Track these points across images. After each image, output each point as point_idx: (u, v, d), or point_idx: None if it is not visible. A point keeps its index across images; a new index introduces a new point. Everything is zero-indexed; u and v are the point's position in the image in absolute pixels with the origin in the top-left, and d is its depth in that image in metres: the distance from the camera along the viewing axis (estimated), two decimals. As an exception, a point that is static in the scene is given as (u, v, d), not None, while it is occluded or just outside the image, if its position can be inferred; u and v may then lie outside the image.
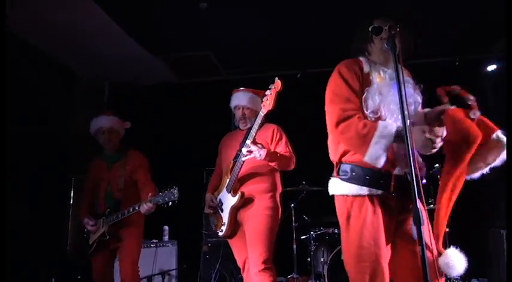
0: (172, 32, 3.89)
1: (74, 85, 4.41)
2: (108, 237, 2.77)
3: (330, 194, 1.73)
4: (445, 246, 1.65)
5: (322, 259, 3.63)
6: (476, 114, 1.56)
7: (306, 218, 3.87)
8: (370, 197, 1.60)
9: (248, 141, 2.40)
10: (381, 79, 1.66)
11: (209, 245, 3.97)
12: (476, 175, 1.67)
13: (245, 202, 2.49)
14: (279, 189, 2.64)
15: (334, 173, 1.72)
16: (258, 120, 2.38)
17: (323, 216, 3.80)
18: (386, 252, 1.59)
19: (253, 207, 2.49)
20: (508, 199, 2.16)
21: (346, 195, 1.64)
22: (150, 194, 2.60)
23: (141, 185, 2.88)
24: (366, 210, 1.59)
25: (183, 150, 4.60)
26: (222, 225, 2.52)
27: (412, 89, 1.70)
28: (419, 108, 1.71)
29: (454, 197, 1.60)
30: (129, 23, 3.68)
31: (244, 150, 2.42)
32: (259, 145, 2.40)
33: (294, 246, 3.77)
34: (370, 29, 1.72)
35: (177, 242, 3.98)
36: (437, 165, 3.56)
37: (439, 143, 1.49)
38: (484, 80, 4.43)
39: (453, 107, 1.56)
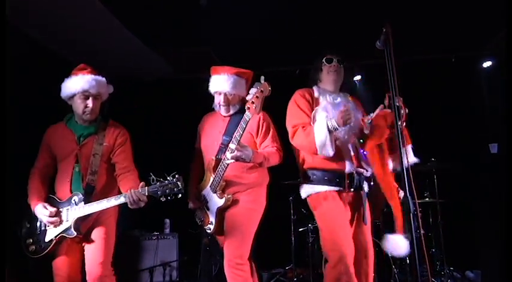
0: (172, 28, 3.92)
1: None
2: (75, 233, 2.11)
3: (302, 197, 2.25)
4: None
5: (319, 251, 3.71)
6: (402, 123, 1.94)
7: (304, 211, 3.95)
8: (331, 193, 2.11)
9: (233, 146, 2.19)
10: (327, 101, 2.19)
11: (209, 237, 4.04)
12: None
13: (231, 203, 2.39)
14: (266, 181, 2.52)
15: (302, 180, 2.24)
16: (243, 124, 2.15)
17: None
18: (350, 234, 2.08)
19: (237, 206, 2.39)
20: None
21: (315, 193, 2.15)
22: (142, 183, 2.08)
23: (120, 170, 2.25)
24: (332, 203, 2.10)
25: (181, 145, 4.64)
26: (210, 223, 2.45)
27: (355, 111, 2.12)
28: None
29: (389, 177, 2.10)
30: (129, 17, 3.68)
31: (228, 154, 2.22)
32: (245, 148, 2.22)
33: (292, 238, 3.86)
34: (324, 59, 2.27)
35: (178, 234, 4.06)
36: (432, 159, 3.64)
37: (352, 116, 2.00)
38: (480, 76, 4.51)
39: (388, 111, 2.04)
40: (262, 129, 2.42)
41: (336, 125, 2.00)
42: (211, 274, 3.81)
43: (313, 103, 2.21)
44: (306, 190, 2.22)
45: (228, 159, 2.23)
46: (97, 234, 2.19)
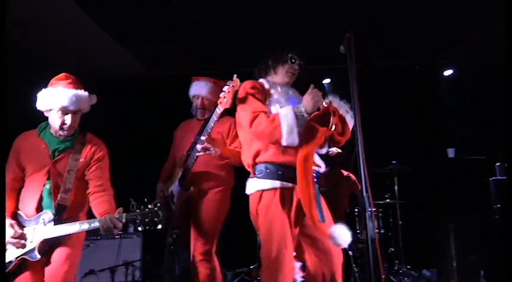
0: (145, 26, 3.86)
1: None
2: (39, 257, 1.89)
3: (248, 193, 1.97)
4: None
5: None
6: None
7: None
8: (281, 189, 1.88)
9: (203, 138, 2.33)
10: (279, 93, 2.03)
11: (174, 236, 4.00)
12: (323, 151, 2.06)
13: (196, 197, 2.52)
14: (231, 183, 2.66)
15: (251, 174, 1.98)
16: (215, 117, 2.27)
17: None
18: (290, 235, 1.86)
19: (203, 201, 2.52)
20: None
21: (262, 190, 1.90)
22: (120, 209, 1.92)
23: (94, 188, 2.03)
24: (277, 202, 1.86)
25: (151, 144, 4.58)
26: (173, 216, 2.54)
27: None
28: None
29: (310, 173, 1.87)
30: (100, 15, 3.62)
31: (198, 146, 2.37)
32: (215, 141, 2.39)
33: (258, 238, 3.87)
34: (289, 57, 2.08)
35: (142, 233, 3.98)
36: (394, 162, 3.78)
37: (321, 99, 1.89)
38: (441, 83, 4.72)
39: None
40: (232, 133, 2.58)
41: (304, 111, 1.86)
42: (175, 274, 3.77)
43: (265, 93, 2.02)
44: (253, 185, 1.93)
45: (197, 151, 2.38)
46: (62, 252, 1.94)
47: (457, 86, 4.65)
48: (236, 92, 2.06)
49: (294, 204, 1.89)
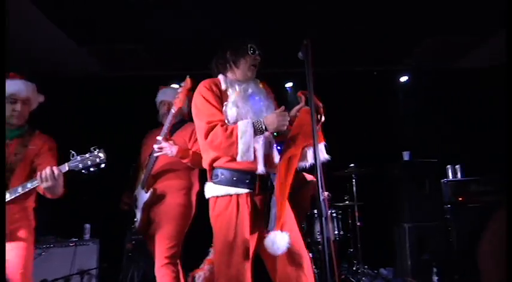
0: (101, 24, 3.74)
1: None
2: None
3: (206, 197, 1.91)
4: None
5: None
6: (321, 118, 1.88)
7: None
8: (237, 196, 1.82)
9: (159, 138, 2.41)
10: (237, 93, 1.91)
11: (133, 242, 3.89)
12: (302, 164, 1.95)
13: (158, 198, 2.52)
14: (196, 187, 2.67)
15: (208, 179, 1.93)
16: (170, 117, 2.41)
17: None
18: (248, 245, 1.79)
19: (165, 204, 2.52)
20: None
21: (216, 196, 1.84)
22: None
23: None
24: (232, 209, 1.79)
25: (108, 146, 4.43)
26: (135, 221, 2.53)
27: (264, 99, 1.98)
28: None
29: (289, 179, 1.81)
30: (55, 12, 3.47)
31: (155, 146, 2.42)
32: (170, 142, 2.43)
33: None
34: (248, 47, 1.97)
35: (98, 240, 3.84)
36: (352, 165, 3.88)
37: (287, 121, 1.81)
38: (397, 89, 4.92)
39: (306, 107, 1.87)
40: (195, 137, 2.59)
41: (264, 128, 1.79)
42: (134, 281, 3.66)
43: (221, 96, 1.92)
44: (210, 190, 1.89)
45: (155, 152, 2.41)
46: (14, 244, 2.03)
47: (412, 91, 4.88)
48: (190, 91, 2.08)
49: (249, 210, 1.81)
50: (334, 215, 3.74)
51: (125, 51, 4.29)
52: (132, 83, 4.64)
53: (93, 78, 4.76)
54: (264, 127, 1.79)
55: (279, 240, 1.68)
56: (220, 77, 1.98)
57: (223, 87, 1.94)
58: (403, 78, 4.88)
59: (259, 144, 1.84)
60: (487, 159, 4.50)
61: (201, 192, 2.76)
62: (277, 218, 1.75)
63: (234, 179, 1.82)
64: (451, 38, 4.09)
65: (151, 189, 2.49)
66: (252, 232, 1.81)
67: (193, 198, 2.65)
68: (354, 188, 3.89)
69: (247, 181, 1.81)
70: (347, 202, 3.93)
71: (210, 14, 3.61)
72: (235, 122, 1.83)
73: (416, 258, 3.87)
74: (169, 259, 2.43)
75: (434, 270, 3.73)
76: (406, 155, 4.26)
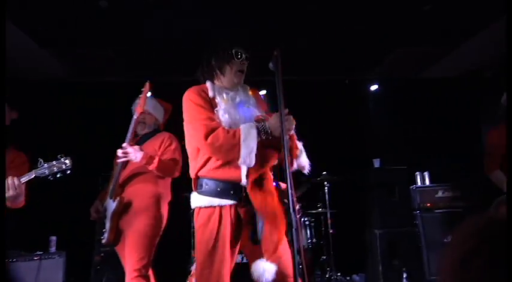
0: (69, 28, 3.63)
1: None
2: None
3: (192, 207, 1.86)
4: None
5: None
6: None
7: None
8: (221, 207, 1.76)
9: (124, 144, 2.40)
10: (226, 101, 1.84)
11: (102, 255, 3.76)
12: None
13: (126, 207, 2.45)
14: (167, 197, 2.62)
15: (193, 188, 1.87)
16: (132, 123, 2.45)
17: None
18: (229, 258, 1.74)
19: (134, 213, 2.46)
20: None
21: (200, 207, 1.80)
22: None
23: None
24: (215, 221, 1.74)
25: (75, 154, 4.29)
26: (104, 232, 2.46)
27: (254, 107, 1.91)
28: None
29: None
30: (19, 15, 3.35)
31: (119, 151, 2.40)
32: (135, 147, 2.40)
33: (192, 252, 3.78)
34: (233, 52, 1.88)
35: (65, 253, 3.69)
36: (324, 172, 3.92)
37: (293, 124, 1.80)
38: (368, 98, 5.04)
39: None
40: (165, 145, 2.60)
41: (269, 132, 1.72)
42: (102, 294, 3.54)
43: (211, 102, 1.85)
44: (195, 200, 1.84)
45: (119, 158, 2.38)
46: None
47: (382, 100, 5.01)
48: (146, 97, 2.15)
49: (232, 223, 1.75)
50: (307, 222, 3.76)
51: (96, 56, 4.19)
52: (102, 89, 4.53)
53: (62, 82, 4.62)
54: (268, 131, 1.73)
55: (267, 271, 1.64)
56: (208, 84, 1.91)
57: (210, 94, 1.87)
58: (374, 87, 5.00)
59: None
60: (454, 166, 4.67)
61: (175, 202, 2.74)
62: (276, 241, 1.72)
63: (219, 189, 1.77)
64: (419, 48, 4.23)
65: (118, 198, 2.43)
66: (234, 244, 1.78)
67: (165, 207, 2.58)
68: (327, 196, 3.92)
69: (232, 192, 1.76)
70: (320, 209, 3.96)
71: (181, 20, 3.57)
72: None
73: (387, 264, 3.94)
74: (139, 271, 2.35)
75: (405, 275, 3.81)
76: (376, 162, 4.35)
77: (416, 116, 4.89)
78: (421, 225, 3.98)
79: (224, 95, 1.86)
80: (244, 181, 1.75)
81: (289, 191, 1.55)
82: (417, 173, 4.37)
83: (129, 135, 2.44)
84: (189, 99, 1.84)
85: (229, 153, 1.71)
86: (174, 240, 3.91)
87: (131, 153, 2.37)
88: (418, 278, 3.84)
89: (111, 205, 2.46)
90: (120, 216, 2.46)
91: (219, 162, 1.77)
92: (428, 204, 4.02)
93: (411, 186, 4.22)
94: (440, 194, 4.02)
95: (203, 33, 3.69)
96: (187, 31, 3.74)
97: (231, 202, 1.76)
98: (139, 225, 2.42)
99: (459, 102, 4.86)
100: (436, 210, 3.98)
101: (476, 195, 3.91)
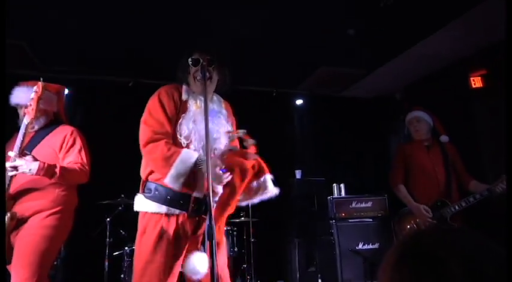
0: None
1: None
2: None
3: (135, 209, 1.78)
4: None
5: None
6: (254, 156, 1.84)
7: (123, 233, 3.71)
8: (168, 215, 1.71)
9: (11, 154, 1.98)
10: (197, 107, 1.81)
11: None
12: (243, 204, 1.89)
13: (18, 223, 2.09)
14: (71, 204, 2.28)
15: (140, 190, 1.80)
16: (23, 130, 2.03)
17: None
18: (173, 269, 1.68)
19: (25, 228, 2.09)
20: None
21: (146, 212, 1.74)
22: None
23: None
24: (160, 229, 1.69)
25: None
26: None
27: (224, 120, 1.88)
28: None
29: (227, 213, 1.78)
30: None
31: (7, 164, 1.99)
32: (27, 157, 2.03)
33: (106, 263, 3.55)
34: (189, 60, 1.85)
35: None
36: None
37: (225, 179, 1.71)
38: (293, 111, 5.27)
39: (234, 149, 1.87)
40: (67, 145, 2.25)
41: (204, 171, 1.63)
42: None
43: (180, 106, 1.79)
44: (140, 203, 1.77)
45: (8, 170, 1.98)
46: None
47: (306, 115, 5.27)
48: (39, 99, 1.89)
49: (176, 233, 1.70)
50: (230, 231, 3.76)
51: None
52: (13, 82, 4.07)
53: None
54: (203, 170, 1.66)
55: (198, 262, 1.55)
56: (184, 87, 1.88)
57: (183, 97, 1.83)
58: (299, 101, 5.24)
59: (203, 167, 1.68)
60: (367, 179, 5.08)
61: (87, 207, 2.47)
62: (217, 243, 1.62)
63: (168, 197, 1.71)
64: (341, 69, 4.55)
65: (8, 214, 2.03)
66: (178, 255, 1.70)
67: (70, 216, 2.26)
68: (250, 205, 3.97)
69: (182, 202, 1.71)
70: (242, 218, 4.00)
71: (107, 14, 3.36)
72: (186, 137, 1.74)
73: (304, 271, 4.11)
74: None
75: (319, 281, 4.01)
76: (298, 174, 4.53)
77: (336, 131, 5.23)
78: (336, 233, 4.22)
79: (198, 101, 1.82)
80: (197, 193, 1.70)
81: (210, 204, 1.49)
82: (334, 184, 4.65)
83: (18, 143, 2.01)
84: (157, 98, 1.80)
85: (160, 170, 1.69)
86: (86, 249, 3.64)
87: (22, 166, 1.99)
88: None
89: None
90: (11, 233, 2.08)
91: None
92: (343, 214, 4.29)
93: (328, 197, 4.48)
94: (353, 204, 4.31)
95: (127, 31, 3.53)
96: (121, 31, 3.55)
97: (177, 212, 1.71)
98: (28, 240, 2.06)
99: (374, 120, 5.32)
100: (350, 220, 4.26)
101: (384, 207, 4.28)
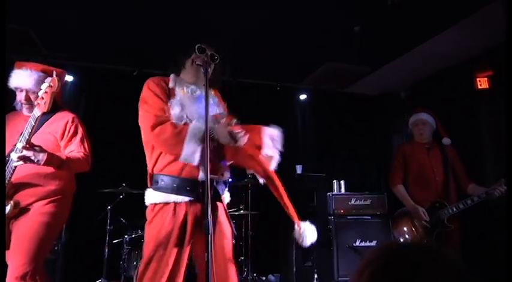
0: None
1: None
2: None
3: (146, 204, 1.81)
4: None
5: (134, 262, 3.58)
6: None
7: (124, 221, 3.75)
8: (175, 204, 1.74)
9: (20, 145, 1.94)
10: (184, 93, 1.87)
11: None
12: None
13: (20, 211, 2.11)
14: (70, 192, 2.30)
15: (148, 184, 1.84)
16: (32, 122, 1.98)
17: (143, 219, 3.77)
18: (181, 256, 1.71)
19: (25, 215, 2.10)
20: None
21: (154, 204, 1.77)
22: None
23: None
24: (167, 218, 1.72)
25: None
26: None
27: (215, 106, 1.94)
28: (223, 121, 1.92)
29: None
30: None
31: (14, 155, 1.96)
32: (36, 148, 2.00)
33: (106, 250, 3.60)
34: (196, 46, 1.89)
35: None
36: (249, 175, 3.98)
37: (241, 137, 1.76)
38: (297, 105, 5.26)
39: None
40: (69, 133, 2.24)
41: (216, 138, 1.74)
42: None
43: (169, 93, 1.85)
44: (149, 197, 1.81)
45: (13, 161, 1.97)
46: None
47: (308, 109, 5.26)
48: (53, 94, 1.88)
49: (185, 220, 1.72)
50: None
51: (11, 32, 3.76)
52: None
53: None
54: (215, 137, 1.74)
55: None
56: (171, 76, 1.94)
57: (171, 85, 1.89)
58: (303, 96, 5.22)
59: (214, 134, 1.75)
60: (368, 176, 5.08)
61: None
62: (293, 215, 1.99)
63: (175, 185, 1.74)
64: (347, 65, 4.53)
65: (11, 202, 2.06)
66: (187, 242, 1.72)
67: (69, 204, 2.28)
68: (249, 198, 4.00)
69: (188, 188, 1.73)
70: (242, 211, 4.03)
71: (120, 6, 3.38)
72: (177, 120, 1.77)
73: (301, 265, 4.14)
74: (22, 279, 2.00)
75: (315, 276, 4.04)
76: (298, 169, 4.54)
77: (338, 128, 5.22)
78: (334, 230, 4.24)
79: (184, 88, 1.88)
80: (202, 176, 1.72)
81: (207, 199, 1.51)
82: (334, 181, 4.66)
83: (26, 135, 1.96)
84: (147, 88, 1.86)
85: (173, 149, 1.72)
86: (86, 236, 3.69)
87: (31, 157, 1.96)
88: (327, 279, 4.09)
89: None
90: (11, 220, 2.11)
91: (172, 157, 1.74)
92: (342, 211, 4.30)
93: (328, 193, 4.49)
94: (353, 201, 4.33)
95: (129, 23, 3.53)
96: (127, 21, 3.54)
97: (186, 199, 1.73)
98: (28, 226, 2.08)
99: (378, 117, 5.31)
100: (349, 217, 4.27)
101: (383, 205, 4.29)
